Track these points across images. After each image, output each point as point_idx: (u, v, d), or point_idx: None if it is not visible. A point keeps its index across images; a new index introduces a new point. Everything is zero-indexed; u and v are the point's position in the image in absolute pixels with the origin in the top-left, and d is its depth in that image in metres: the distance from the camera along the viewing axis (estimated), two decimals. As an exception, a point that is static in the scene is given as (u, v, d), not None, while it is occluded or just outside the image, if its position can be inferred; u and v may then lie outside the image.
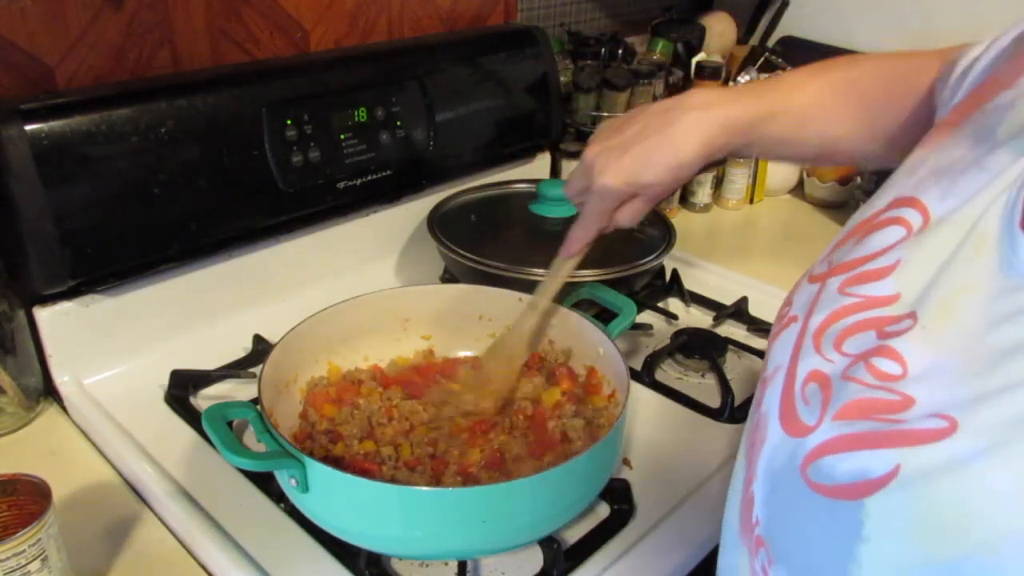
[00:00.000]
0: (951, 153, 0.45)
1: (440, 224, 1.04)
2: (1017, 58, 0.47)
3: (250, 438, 0.79)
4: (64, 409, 0.84)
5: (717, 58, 1.43)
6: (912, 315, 0.40)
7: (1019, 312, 0.36)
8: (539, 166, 1.27)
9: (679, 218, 1.35)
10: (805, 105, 0.65)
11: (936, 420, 0.34)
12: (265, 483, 0.73)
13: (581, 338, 0.81)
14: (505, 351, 0.81)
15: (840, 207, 1.41)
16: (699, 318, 1.05)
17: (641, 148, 0.63)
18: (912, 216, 0.44)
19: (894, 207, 0.45)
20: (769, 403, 0.45)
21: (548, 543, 0.66)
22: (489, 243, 0.99)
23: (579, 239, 0.71)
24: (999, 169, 0.41)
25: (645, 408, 0.86)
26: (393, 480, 0.68)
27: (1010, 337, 0.35)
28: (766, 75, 1.37)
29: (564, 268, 0.74)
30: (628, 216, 0.68)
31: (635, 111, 0.67)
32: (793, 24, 1.51)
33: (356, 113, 0.97)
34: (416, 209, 1.10)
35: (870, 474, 0.35)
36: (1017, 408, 0.32)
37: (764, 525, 0.44)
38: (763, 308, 1.03)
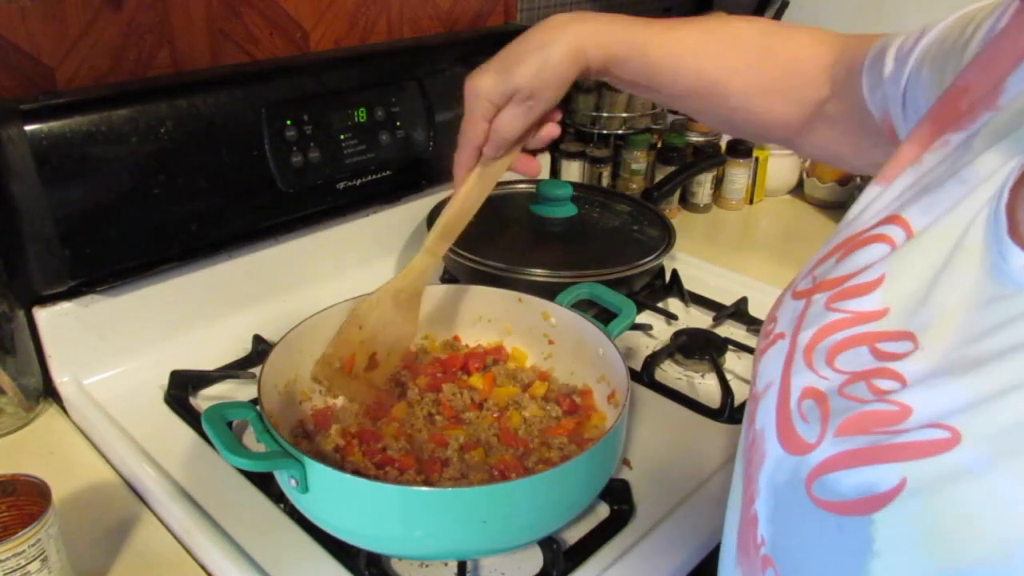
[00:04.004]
0: (930, 168, 0.45)
1: (440, 224, 1.04)
2: (985, 64, 0.46)
3: (250, 438, 0.79)
4: (64, 409, 0.84)
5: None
6: (911, 336, 0.39)
7: (1013, 318, 0.35)
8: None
9: (679, 218, 1.35)
10: (681, 37, 0.66)
11: (937, 431, 0.34)
12: (265, 483, 0.73)
13: (581, 338, 0.81)
14: (398, 297, 0.77)
15: (840, 207, 1.40)
16: (699, 318, 1.05)
17: (507, 51, 0.65)
18: (895, 232, 0.44)
19: (877, 225, 0.45)
20: (764, 420, 0.44)
21: (548, 543, 0.66)
22: (489, 243, 0.99)
23: (459, 162, 0.69)
24: (977, 180, 0.41)
25: (645, 408, 0.86)
26: (393, 480, 0.68)
27: (1005, 341, 0.35)
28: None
29: (455, 203, 0.71)
30: (505, 123, 0.65)
31: None
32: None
33: (356, 113, 0.97)
34: (416, 209, 1.10)
35: (877, 489, 0.35)
36: (1016, 412, 0.32)
37: (770, 544, 0.43)
38: (763, 308, 1.02)
